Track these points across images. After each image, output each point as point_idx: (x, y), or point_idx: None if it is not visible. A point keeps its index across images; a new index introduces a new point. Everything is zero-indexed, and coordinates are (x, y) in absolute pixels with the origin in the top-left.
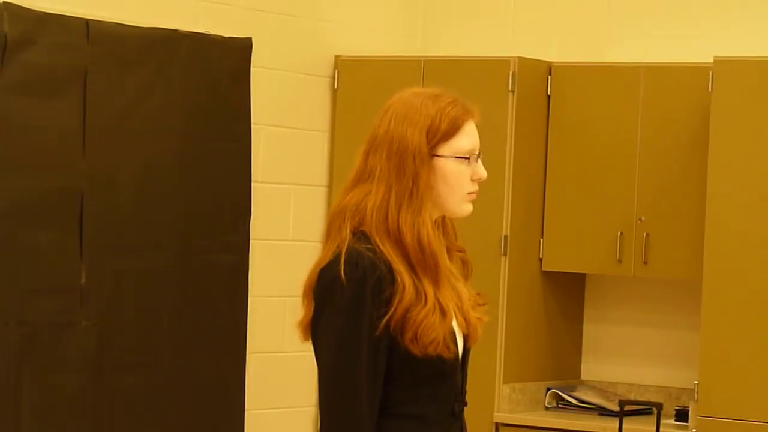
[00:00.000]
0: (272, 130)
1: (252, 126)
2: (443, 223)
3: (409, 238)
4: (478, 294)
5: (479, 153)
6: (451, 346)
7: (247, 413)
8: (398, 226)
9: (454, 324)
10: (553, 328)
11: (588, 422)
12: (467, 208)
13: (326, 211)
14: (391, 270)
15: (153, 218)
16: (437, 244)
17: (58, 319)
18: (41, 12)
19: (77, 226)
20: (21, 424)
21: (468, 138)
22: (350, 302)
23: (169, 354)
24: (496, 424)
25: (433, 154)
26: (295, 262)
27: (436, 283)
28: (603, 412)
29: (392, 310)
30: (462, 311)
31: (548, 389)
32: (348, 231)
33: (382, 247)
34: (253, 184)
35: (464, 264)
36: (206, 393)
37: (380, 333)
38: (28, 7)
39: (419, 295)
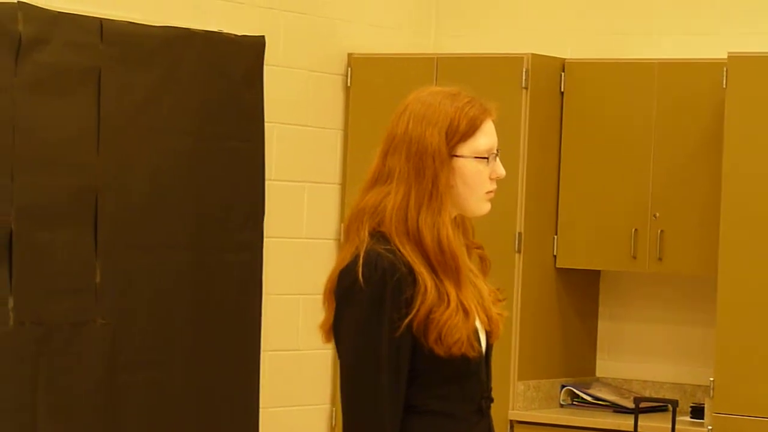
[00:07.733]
0: (285, 128)
1: (265, 124)
2: (461, 222)
3: (429, 239)
4: (498, 289)
5: (497, 151)
6: (476, 344)
7: (261, 411)
8: (418, 228)
9: (477, 322)
10: (567, 326)
11: (603, 419)
12: (486, 207)
13: (340, 209)
14: (411, 271)
15: (167, 217)
16: (457, 245)
17: (73, 318)
18: (55, 11)
19: (92, 225)
20: (37, 422)
21: (487, 137)
22: (370, 304)
23: (183, 352)
24: (511, 421)
25: (452, 155)
26: (309, 259)
27: (457, 283)
28: (618, 409)
29: (414, 311)
30: (484, 308)
31: (563, 386)
32: (366, 232)
33: (402, 249)
34: (266, 182)
35: (482, 260)
36: (220, 391)
37: (402, 333)
38: (42, 6)
39: (441, 296)
